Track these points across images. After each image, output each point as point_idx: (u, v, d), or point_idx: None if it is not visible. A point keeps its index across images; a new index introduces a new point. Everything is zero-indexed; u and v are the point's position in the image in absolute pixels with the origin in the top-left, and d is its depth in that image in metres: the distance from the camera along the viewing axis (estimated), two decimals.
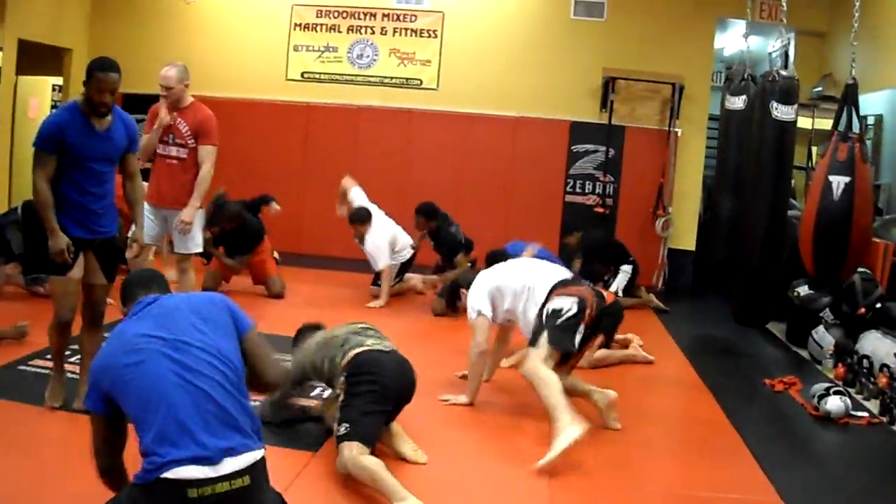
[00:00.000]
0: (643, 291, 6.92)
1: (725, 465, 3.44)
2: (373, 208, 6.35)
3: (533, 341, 3.59)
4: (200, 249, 4.79)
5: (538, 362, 3.43)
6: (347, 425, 2.91)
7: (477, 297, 3.91)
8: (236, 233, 6.10)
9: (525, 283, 3.84)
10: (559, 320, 3.53)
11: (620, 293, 6.38)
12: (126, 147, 3.41)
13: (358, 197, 6.42)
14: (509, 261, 4.34)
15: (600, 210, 7.81)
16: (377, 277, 6.36)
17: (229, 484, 2.01)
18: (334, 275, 7.17)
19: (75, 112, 3.22)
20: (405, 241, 6.45)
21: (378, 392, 3.00)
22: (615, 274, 6.70)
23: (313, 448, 3.21)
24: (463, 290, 4.19)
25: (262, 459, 2.13)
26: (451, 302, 5.79)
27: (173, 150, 4.45)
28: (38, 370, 3.90)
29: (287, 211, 6.72)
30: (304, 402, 3.65)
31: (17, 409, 3.40)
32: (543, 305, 3.67)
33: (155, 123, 4.44)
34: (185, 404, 2.03)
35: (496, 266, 4.16)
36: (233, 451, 2.03)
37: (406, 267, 6.51)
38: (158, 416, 2.01)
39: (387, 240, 6.26)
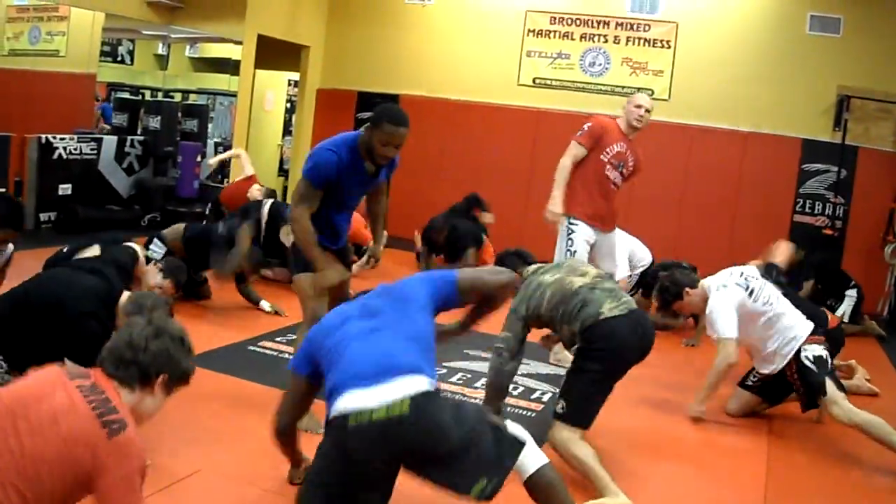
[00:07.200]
0: (865, 319, 6.86)
1: None
2: None
3: (819, 390, 3.64)
4: None
5: (852, 409, 3.52)
6: (564, 405, 2.86)
7: (727, 322, 3.76)
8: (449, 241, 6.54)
9: (782, 321, 3.81)
10: (831, 368, 3.68)
11: (847, 319, 6.35)
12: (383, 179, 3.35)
13: None
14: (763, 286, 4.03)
15: (829, 232, 7.71)
16: None
17: (386, 410, 1.96)
18: None
19: (353, 154, 3.08)
20: (643, 255, 6.52)
21: (605, 372, 2.90)
22: (839, 298, 6.66)
23: None
24: (687, 290, 4.13)
25: (430, 393, 2.05)
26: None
27: (618, 177, 4.60)
28: (266, 351, 4.25)
29: (512, 215, 6.89)
30: None
31: (246, 387, 3.57)
32: (798, 348, 3.74)
33: (603, 147, 4.53)
34: (359, 351, 2.14)
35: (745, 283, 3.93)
36: (389, 377, 2.02)
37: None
38: (338, 370, 2.13)
39: (624, 253, 6.35)
